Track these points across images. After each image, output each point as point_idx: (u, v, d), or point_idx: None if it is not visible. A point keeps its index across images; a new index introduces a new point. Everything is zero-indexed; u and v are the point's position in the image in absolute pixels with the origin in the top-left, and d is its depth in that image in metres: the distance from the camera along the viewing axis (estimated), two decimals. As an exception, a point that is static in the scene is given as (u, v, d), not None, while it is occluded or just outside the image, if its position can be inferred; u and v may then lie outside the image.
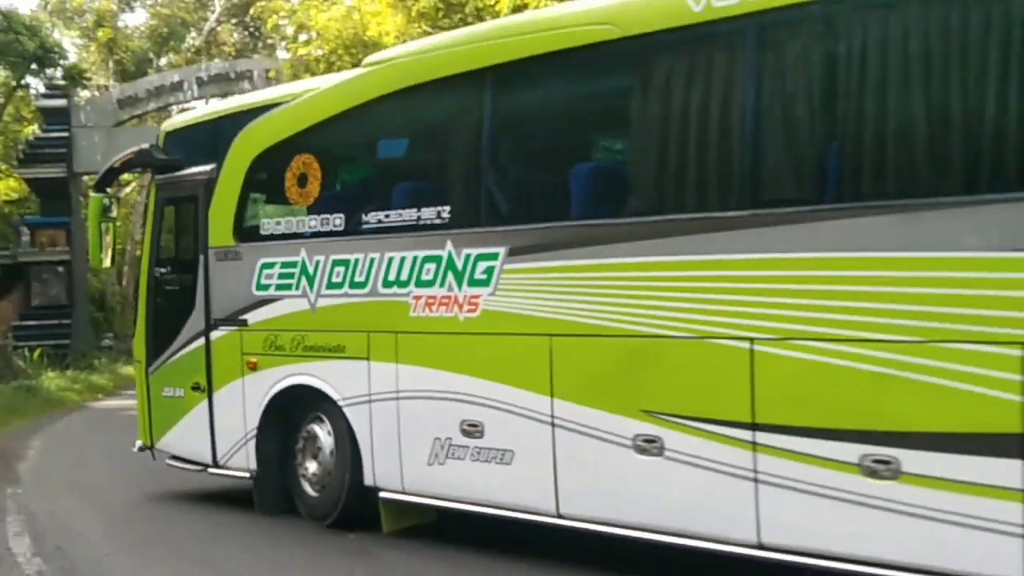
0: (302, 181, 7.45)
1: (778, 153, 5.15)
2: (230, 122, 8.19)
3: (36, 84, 26.89)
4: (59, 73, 23.04)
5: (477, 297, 6.28)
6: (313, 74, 18.61)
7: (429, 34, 18.09)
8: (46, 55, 21.03)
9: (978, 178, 4.57)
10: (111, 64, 36.40)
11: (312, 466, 7.56)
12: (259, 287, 7.68)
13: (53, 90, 27.09)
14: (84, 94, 29.95)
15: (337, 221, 7.21)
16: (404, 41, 17.34)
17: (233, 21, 39.55)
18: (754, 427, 5.13)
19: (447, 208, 6.53)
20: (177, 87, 28.26)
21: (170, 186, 8.61)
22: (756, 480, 5.14)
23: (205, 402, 8.16)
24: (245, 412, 7.83)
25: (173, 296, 8.55)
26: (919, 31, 4.70)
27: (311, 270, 7.29)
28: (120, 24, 37.97)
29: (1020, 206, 4.36)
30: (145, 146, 8.78)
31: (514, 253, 6.09)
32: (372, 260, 6.87)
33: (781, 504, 5.07)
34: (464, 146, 6.59)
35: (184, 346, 8.35)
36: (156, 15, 38.86)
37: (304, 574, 6.50)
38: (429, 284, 6.54)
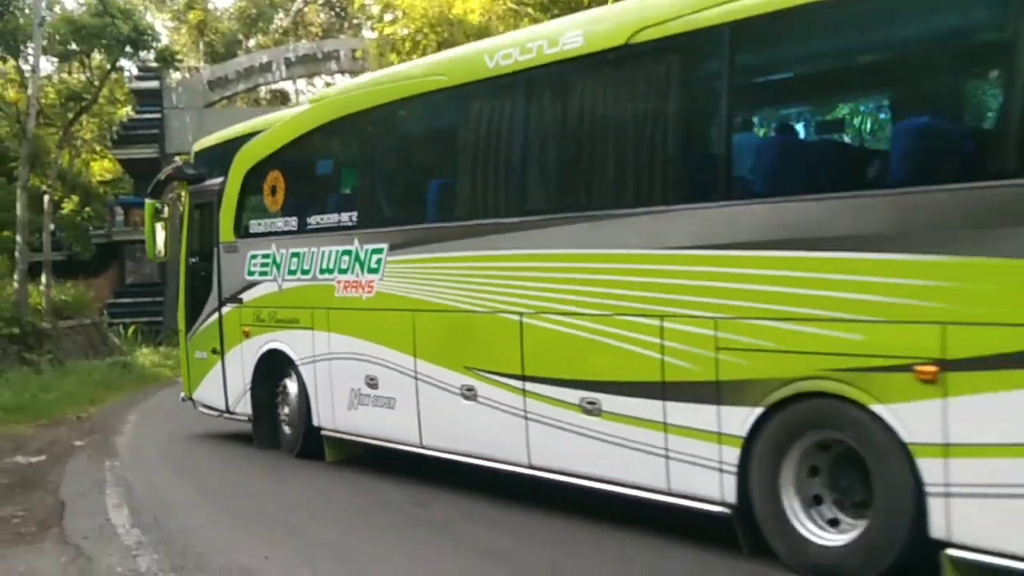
0: (274, 191, 9.62)
1: (534, 175, 6.92)
2: (238, 143, 10.41)
3: (129, 67, 27.18)
4: (151, 55, 23.23)
5: (372, 281, 8.28)
6: (399, 53, 19.27)
7: (514, 11, 18.88)
8: (139, 38, 21.03)
9: (639, 195, 6.20)
10: (201, 46, 37.52)
11: (286, 411, 9.77)
12: (249, 273, 9.91)
13: (146, 72, 27.89)
14: (175, 76, 30.62)
15: (293, 222, 9.35)
16: (489, 19, 18.84)
17: (320, 2, 40.51)
18: (523, 378, 6.93)
19: (355, 213, 8.55)
20: (266, 68, 28.69)
21: (198, 194, 10.97)
22: (526, 418, 6.94)
23: (220, 362, 10.50)
24: (244, 370, 10.10)
25: (201, 280, 10.89)
26: (614, 93, 6.42)
27: (278, 260, 9.46)
28: (210, 6, 39.22)
29: (659, 216, 6.00)
30: (179, 163, 11.19)
31: (392, 248, 8.05)
32: (313, 253, 8.97)
33: (540, 435, 6.86)
34: (363, 165, 8.61)
35: (207, 318, 10.71)
36: (245, -4, 39.80)
37: (391, 546, 6.46)
38: (345, 271, 8.58)
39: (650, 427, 6.09)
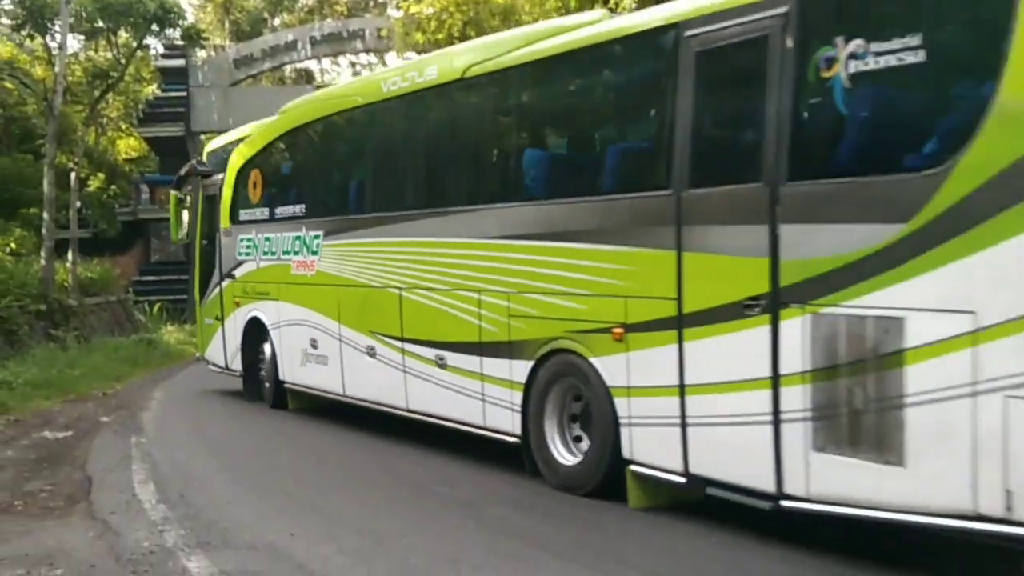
0: (255, 186, 11.63)
1: (409, 177, 8.72)
2: (238, 144, 12.49)
3: (155, 45, 26.65)
4: (177, 34, 22.85)
5: (314, 261, 10.20)
6: (424, 32, 19.23)
7: None
8: (165, 16, 20.78)
9: (467, 196, 7.94)
10: (227, 24, 37.97)
11: (264, 369, 11.80)
12: (238, 254, 11.96)
13: (172, 50, 28.10)
14: (201, 54, 30.50)
15: (266, 212, 11.34)
16: None
17: None
18: (403, 339, 8.74)
19: (303, 206, 10.49)
20: (291, 47, 29.00)
21: (208, 187, 13.08)
22: (405, 371, 8.75)
23: (221, 327, 12.61)
24: (236, 333, 12.18)
25: (209, 258, 13.01)
26: (454, 116, 8.19)
27: (257, 243, 11.47)
28: None
29: (477, 213, 7.71)
30: (194, 161, 13.36)
31: (327, 234, 9.95)
32: (278, 237, 10.94)
33: (413, 385, 8.66)
34: (308, 166, 10.54)
35: (212, 290, 12.84)
36: (270, -26, 39.97)
37: (416, 524, 6.45)
38: (297, 253, 10.52)
39: (474, 377, 7.83)
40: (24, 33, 21.19)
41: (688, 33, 5.91)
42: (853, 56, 4.98)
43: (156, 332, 21.27)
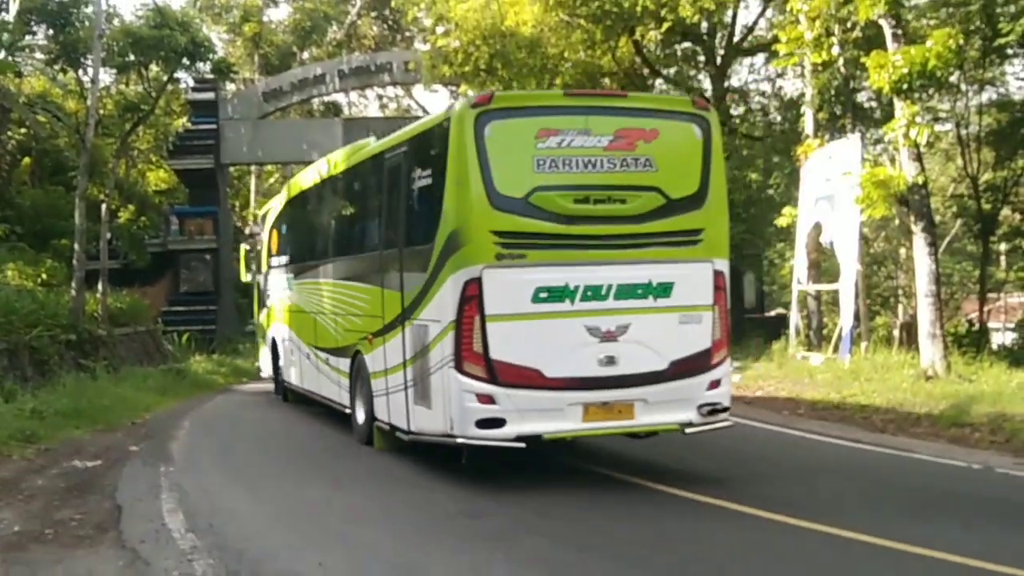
0: (274, 242, 16.21)
1: (320, 238, 12.95)
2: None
3: (186, 78, 26.47)
4: (208, 67, 22.69)
5: (291, 295, 14.59)
6: (451, 65, 19.76)
7: (566, 23, 19.16)
8: (196, 50, 20.71)
9: (330, 252, 12.03)
10: (256, 58, 37.77)
11: (279, 373, 16.27)
12: (269, 290, 16.56)
13: (202, 84, 27.64)
14: (231, 88, 30.46)
15: (278, 261, 15.85)
16: (541, 30, 19.19)
17: (373, 14, 40.93)
18: (316, 347, 12.93)
19: (288, 256, 14.93)
20: (319, 80, 28.92)
21: (259, 242, 17.83)
22: (317, 370, 12.92)
23: (264, 344, 17.26)
24: (269, 348, 16.76)
25: (261, 294, 17.73)
26: (329, 198, 12.35)
27: (275, 282, 16.01)
28: (265, 19, 39.35)
29: (332, 263, 11.80)
30: (253, 223, 18.15)
31: (294, 276, 14.32)
32: (282, 279, 15.42)
33: (320, 379, 12.81)
34: (288, 229, 15.02)
35: (260, 317, 17.55)
36: (299, 9, 39.86)
37: (443, 557, 6.57)
38: (286, 290, 14.95)
39: (335, 371, 11.90)
40: (57, 67, 22.10)
41: (386, 156, 9.86)
42: (419, 177, 8.79)
43: (185, 362, 21.46)
